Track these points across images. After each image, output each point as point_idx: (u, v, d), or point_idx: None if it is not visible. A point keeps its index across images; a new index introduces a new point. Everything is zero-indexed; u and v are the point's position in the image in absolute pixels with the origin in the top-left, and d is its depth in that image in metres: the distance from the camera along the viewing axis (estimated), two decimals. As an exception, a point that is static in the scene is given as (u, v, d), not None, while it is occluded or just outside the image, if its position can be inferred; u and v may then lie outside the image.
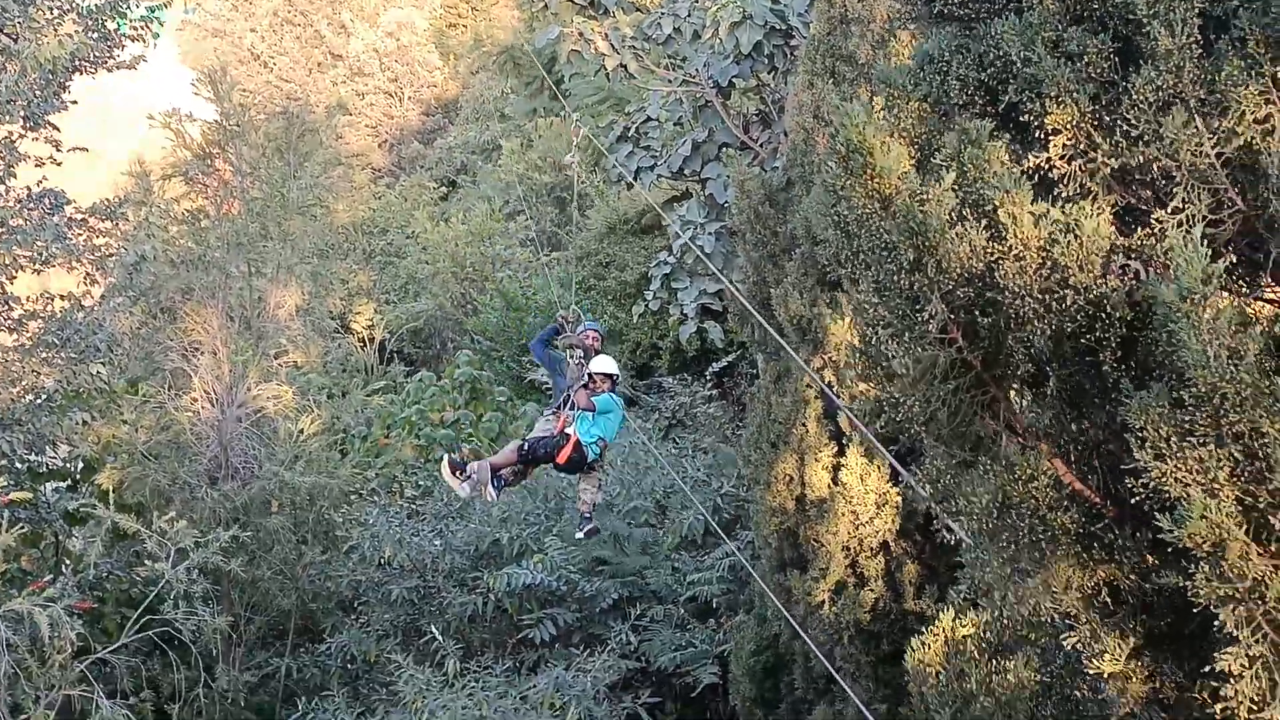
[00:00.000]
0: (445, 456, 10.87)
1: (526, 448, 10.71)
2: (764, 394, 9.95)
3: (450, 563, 13.19)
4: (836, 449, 9.34)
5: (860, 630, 9.02)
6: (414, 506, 14.27)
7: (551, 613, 12.25)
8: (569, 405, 10.89)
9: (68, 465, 13.54)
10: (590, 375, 10.86)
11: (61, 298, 13.04)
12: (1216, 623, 2.19)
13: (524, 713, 11.21)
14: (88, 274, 13.13)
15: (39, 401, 12.92)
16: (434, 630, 12.13)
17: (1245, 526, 2.04)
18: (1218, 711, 2.34)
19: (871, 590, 9.03)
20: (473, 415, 17.13)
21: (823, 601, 9.24)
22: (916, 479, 2.64)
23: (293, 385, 14.43)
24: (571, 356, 11.26)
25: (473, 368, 18.00)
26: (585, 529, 10.89)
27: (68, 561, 12.40)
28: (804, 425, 9.46)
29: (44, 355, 12.89)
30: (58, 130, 12.92)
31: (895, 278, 2.85)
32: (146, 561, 11.50)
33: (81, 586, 11.52)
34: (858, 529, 9.07)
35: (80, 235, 13.11)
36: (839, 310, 8.92)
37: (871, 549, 9.09)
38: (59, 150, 12.98)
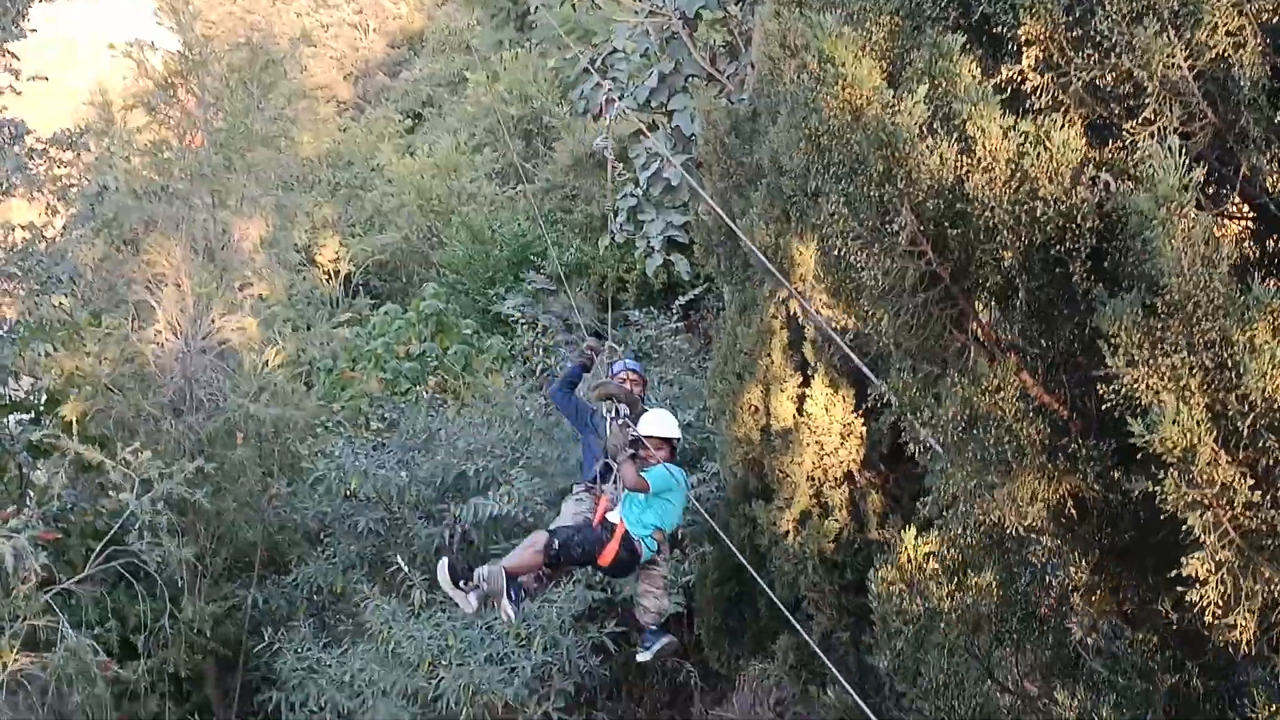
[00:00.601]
0: (442, 562, 8.52)
1: (556, 546, 8.46)
2: (729, 325, 9.93)
3: (416, 494, 13.18)
4: (801, 379, 9.34)
5: (824, 559, 9.06)
6: (380, 439, 14.23)
7: (518, 544, 12.20)
8: (610, 479, 8.85)
9: (30, 397, 13.45)
10: (639, 440, 8.59)
11: (22, 228, 12.92)
12: (1184, 529, 2.19)
13: (490, 642, 11.25)
14: (49, 205, 13.01)
15: (1, 333, 12.83)
16: (400, 561, 12.13)
17: (1215, 434, 2.04)
18: (1181, 621, 2.35)
19: (835, 520, 9.06)
20: (438, 348, 17.10)
21: (787, 531, 9.27)
22: (884, 389, 2.63)
23: (257, 318, 14.33)
24: (606, 410, 8.92)
25: (439, 301, 17.94)
26: (654, 647, 8.89)
27: (31, 493, 12.33)
28: (769, 356, 9.45)
29: (5, 286, 12.79)
30: (17, 59, 12.77)
31: (865, 190, 2.84)
32: (111, 493, 11.48)
33: (46, 518, 11.46)
34: (822, 459, 9.09)
35: (41, 165, 12.98)
36: (805, 238, 8.89)
37: (836, 479, 9.11)
38: (18, 79, 12.84)
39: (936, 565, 2.72)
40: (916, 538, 2.77)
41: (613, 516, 8.55)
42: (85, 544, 12.01)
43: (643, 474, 8.33)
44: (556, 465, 13.20)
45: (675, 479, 8.50)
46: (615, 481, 8.69)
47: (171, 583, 11.90)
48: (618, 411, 8.76)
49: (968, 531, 2.64)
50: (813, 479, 9.11)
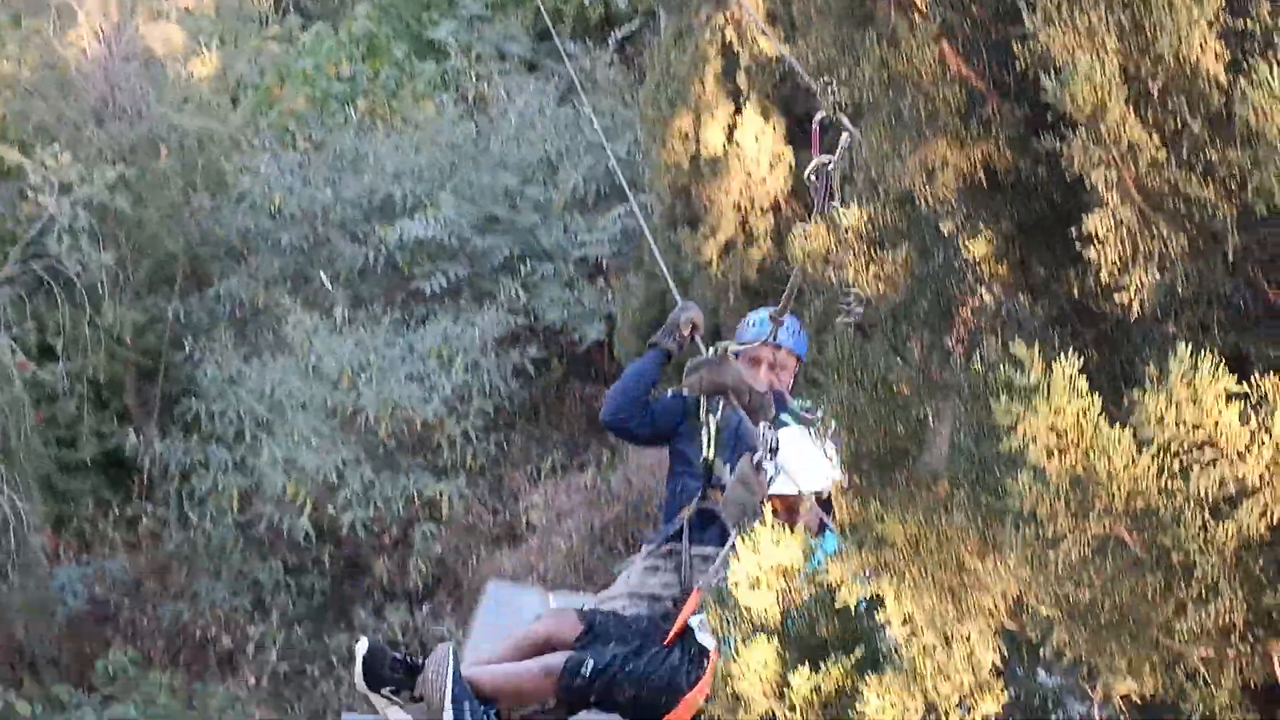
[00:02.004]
0: (361, 644, 5.21)
1: (582, 677, 5.05)
2: (664, 51, 9.81)
3: (342, 214, 13.09)
4: (733, 108, 9.27)
5: (747, 287, 9.12)
6: (306, 158, 14.06)
7: (442, 266, 12.24)
8: (705, 539, 5.56)
9: (-54, 97, 13.18)
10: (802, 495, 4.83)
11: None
12: (1087, 195, 2.22)
13: (411, 362, 11.34)
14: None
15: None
16: (323, 277, 12.14)
17: (1126, 95, 2.05)
18: (1081, 290, 2.39)
19: (759, 248, 9.10)
20: (369, 71, 16.79)
21: (711, 259, 9.31)
22: (798, 52, 2.61)
23: (183, 27, 14.01)
24: (710, 418, 5.81)
25: (371, 23, 17.55)
26: None
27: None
28: (702, 83, 9.36)
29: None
30: None
31: None
32: (30, 193, 11.35)
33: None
34: (750, 188, 9.09)
35: None
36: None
37: (762, 208, 9.12)
38: None
39: (854, 239, 2.74)
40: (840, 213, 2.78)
41: (705, 639, 4.86)
42: (3, 249, 11.91)
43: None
44: (485, 192, 13.13)
45: None
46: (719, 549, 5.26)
47: (92, 289, 11.84)
48: (757, 449, 5.02)
49: (886, 208, 2.66)
50: (739, 207, 9.12)
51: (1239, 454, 1.96)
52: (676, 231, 9.69)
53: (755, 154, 9.03)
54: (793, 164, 9.10)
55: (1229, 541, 1.99)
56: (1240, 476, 1.97)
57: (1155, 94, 2.10)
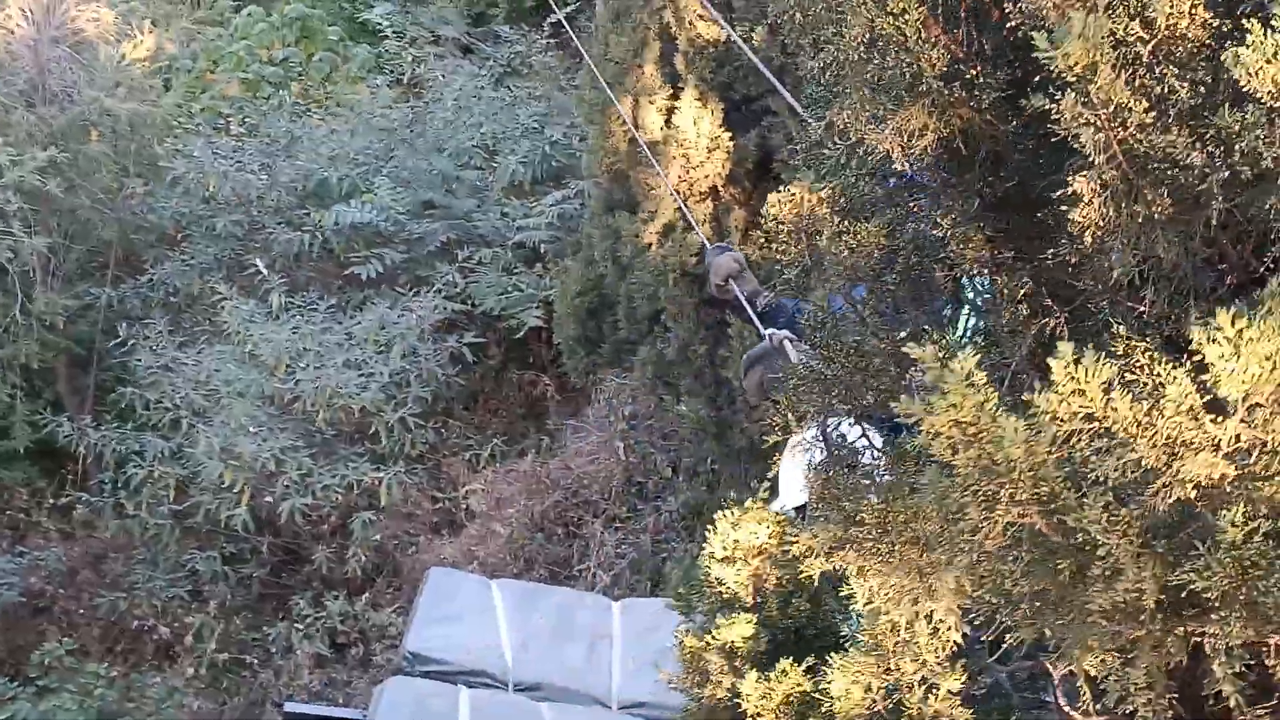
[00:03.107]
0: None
1: None
2: (602, 34, 9.79)
3: (277, 199, 13.00)
4: (671, 92, 9.27)
5: (685, 273, 9.13)
6: (240, 142, 13.93)
7: (379, 252, 12.16)
8: None
9: None
10: None
11: None
12: (1068, 165, 2.23)
13: (348, 348, 11.26)
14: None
15: None
16: (259, 263, 12.03)
17: (1116, 60, 2.06)
18: (1054, 263, 2.40)
19: (698, 234, 9.11)
20: (302, 55, 16.67)
21: (650, 244, 9.32)
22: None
23: (114, 9, 13.83)
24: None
25: (304, 5, 17.41)
26: None
27: None
28: (641, 67, 9.35)
29: None
30: None
31: None
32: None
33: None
34: (688, 173, 9.09)
35: None
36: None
37: (701, 193, 9.13)
38: None
39: (828, 210, 2.74)
40: (810, 186, 2.77)
41: None
42: (-70, 233, 11.73)
43: None
44: (421, 176, 13.08)
45: None
46: None
47: (23, 275, 11.69)
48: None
49: (860, 181, 2.66)
50: (677, 192, 9.12)
51: (1132, 438, 1.99)
52: (614, 215, 9.69)
53: (694, 138, 9.03)
54: (730, 149, 9.12)
55: (1133, 524, 2.02)
56: (1138, 460, 2.00)
57: (1145, 58, 2.11)
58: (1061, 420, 1.97)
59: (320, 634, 10.34)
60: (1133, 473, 1.99)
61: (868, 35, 2.33)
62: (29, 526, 11.77)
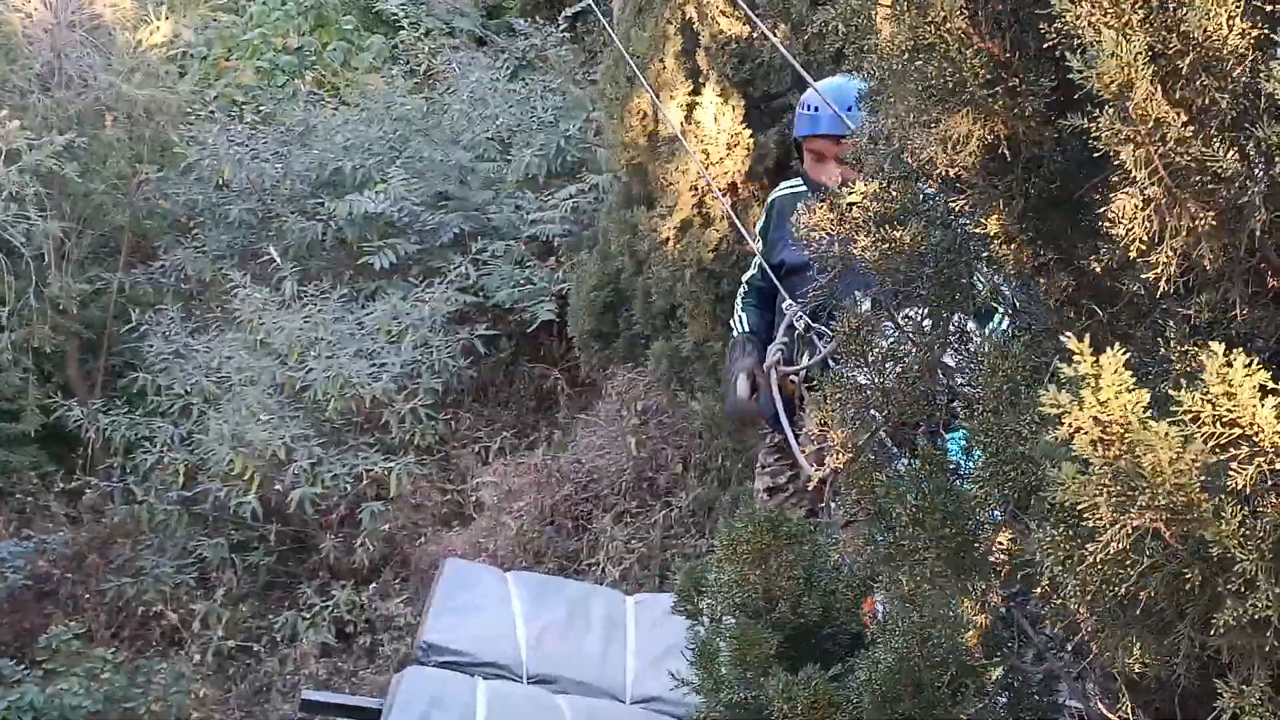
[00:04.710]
0: None
1: None
2: (623, 28, 9.77)
3: (291, 188, 13.00)
4: (692, 87, 9.25)
5: (702, 269, 9.12)
6: (255, 130, 13.93)
7: (392, 242, 12.16)
8: None
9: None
10: None
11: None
12: (1109, 175, 2.22)
13: (360, 337, 11.26)
14: None
15: None
16: (273, 251, 12.03)
17: (1153, 73, 2.05)
18: (1098, 269, 2.39)
19: (716, 230, 9.10)
20: (317, 44, 16.67)
21: (668, 239, 9.30)
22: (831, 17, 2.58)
23: (131, -5, 13.84)
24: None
25: (319, -7, 17.41)
26: None
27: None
28: (661, 61, 9.33)
29: None
30: None
31: None
32: (-25, 158, 11.20)
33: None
34: (707, 168, 9.07)
35: None
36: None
37: (720, 189, 9.10)
38: None
39: (861, 216, 2.73)
40: (843, 186, 2.77)
41: None
42: (-55, 217, 11.73)
43: None
44: (435, 168, 13.07)
45: None
46: None
47: (37, 259, 11.68)
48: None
49: (892, 185, 2.65)
50: (696, 188, 9.11)
51: (1275, 448, 1.96)
52: (632, 210, 9.68)
53: (714, 134, 9.00)
54: (750, 146, 9.09)
55: (1267, 536, 1.99)
56: (1277, 469, 1.98)
57: (1183, 71, 2.10)
58: (1203, 423, 1.95)
59: (327, 623, 10.35)
60: (1268, 482, 1.97)
61: (911, 43, 2.32)
62: (36, 511, 11.77)
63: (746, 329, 5.93)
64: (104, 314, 12.87)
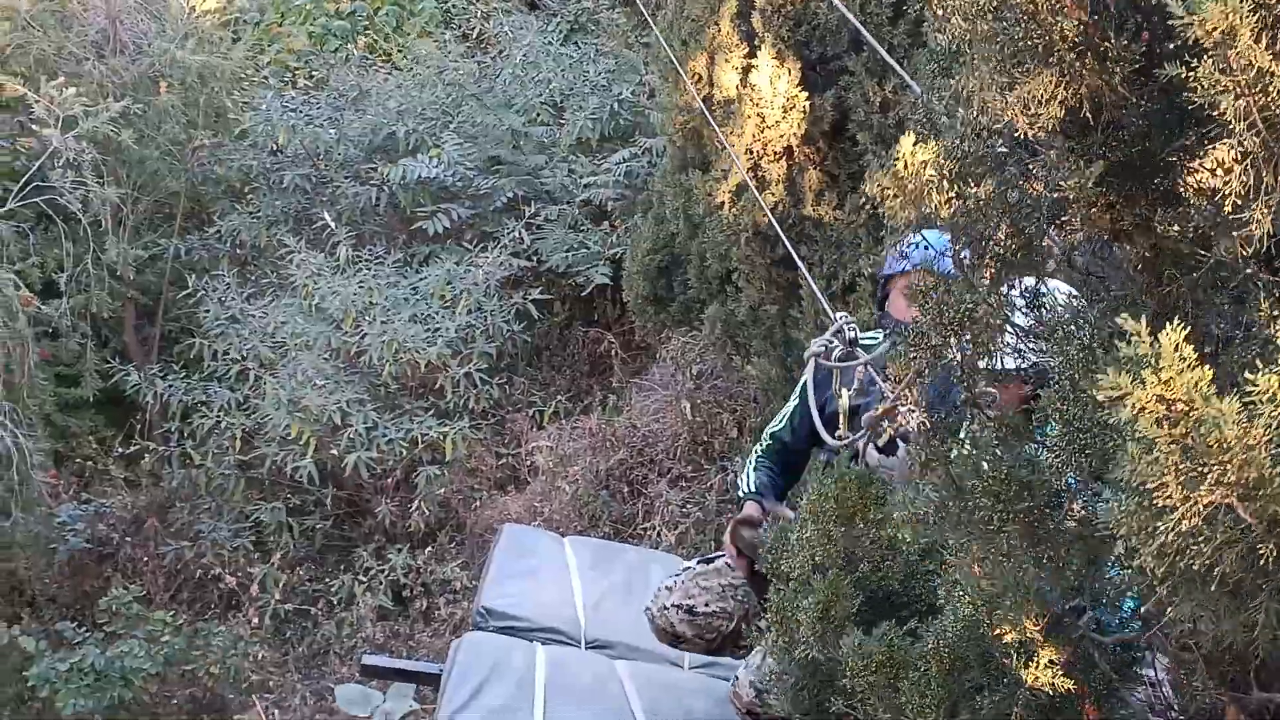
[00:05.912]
0: None
1: None
2: (678, -10, 9.72)
3: (344, 153, 13.02)
4: (748, 50, 9.18)
5: (758, 233, 9.07)
6: (308, 95, 13.95)
7: (446, 207, 12.16)
8: None
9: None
10: None
11: None
12: (1196, 135, 2.18)
13: (415, 302, 11.28)
14: None
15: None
16: (327, 216, 12.05)
17: (1255, 24, 2.00)
18: (1179, 234, 2.35)
19: (772, 194, 9.03)
20: (369, 8, 16.67)
21: (723, 203, 9.26)
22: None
23: (184, -40, 13.84)
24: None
25: (370, -42, 17.41)
26: None
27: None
28: (717, 24, 9.27)
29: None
30: None
31: None
32: (34, 127, 11.24)
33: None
34: (763, 132, 9.00)
35: None
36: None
37: (775, 153, 9.03)
38: None
39: (934, 173, 2.69)
40: (915, 144, 2.72)
41: None
42: (4, 185, 11.80)
43: None
44: (488, 132, 13.06)
45: None
46: None
47: (94, 225, 11.74)
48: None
49: (965, 142, 2.61)
50: (751, 151, 9.04)
51: None
52: (687, 174, 9.64)
53: (770, 98, 8.94)
54: (806, 109, 9.02)
55: None
56: None
57: (1283, 32, 2.06)
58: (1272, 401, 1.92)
59: (383, 587, 10.39)
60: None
61: (996, 4, 2.29)
62: (95, 475, 11.87)
63: (751, 489, 5.32)
64: (160, 280, 12.94)
